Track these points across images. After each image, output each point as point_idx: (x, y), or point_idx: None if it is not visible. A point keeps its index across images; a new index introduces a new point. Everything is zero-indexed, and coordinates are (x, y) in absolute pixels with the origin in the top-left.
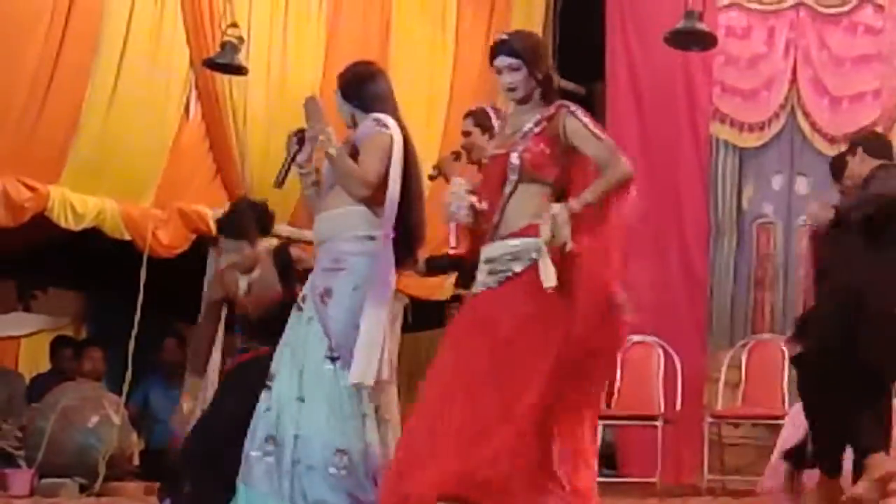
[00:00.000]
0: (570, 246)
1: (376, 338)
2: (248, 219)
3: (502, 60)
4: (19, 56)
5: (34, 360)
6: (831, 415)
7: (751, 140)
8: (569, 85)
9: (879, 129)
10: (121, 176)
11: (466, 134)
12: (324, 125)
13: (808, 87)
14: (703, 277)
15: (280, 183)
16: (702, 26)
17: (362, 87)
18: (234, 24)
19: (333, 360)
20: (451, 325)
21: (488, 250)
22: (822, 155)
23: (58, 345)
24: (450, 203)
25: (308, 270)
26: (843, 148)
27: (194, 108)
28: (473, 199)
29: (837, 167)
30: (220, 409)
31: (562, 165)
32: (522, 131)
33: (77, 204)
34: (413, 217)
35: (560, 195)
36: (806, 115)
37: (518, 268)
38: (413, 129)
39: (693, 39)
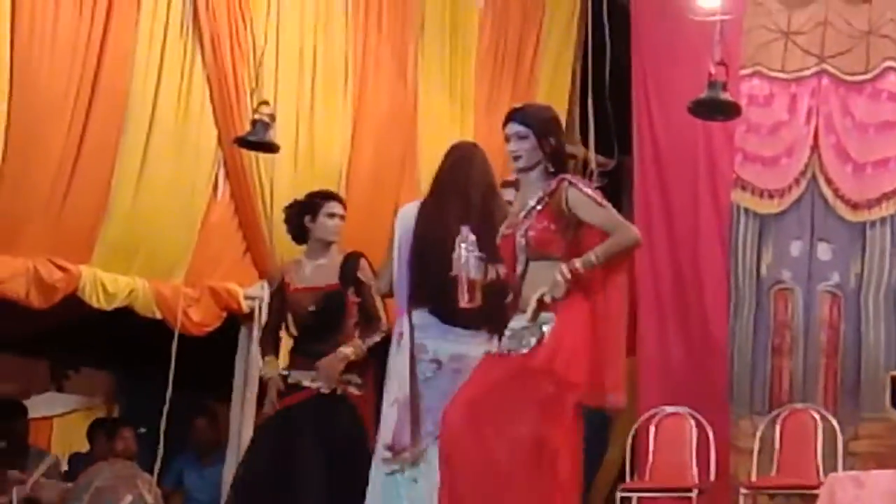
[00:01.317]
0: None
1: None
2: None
3: (511, 128)
4: (46, 137)
5: (67, 440)
6: None
7: (771, 207)
8: (598, 159)
9: None
10: (151, 255)
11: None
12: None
13: (831, 153)
14: (724, 346)
15: None
16: (726, 96)
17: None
18: (265, 102)
19: None
20: (469, 383)
21: (511, 324)
22: (845, 221)
23: (95, 427)
24: (459, 256)
25: (363, 284)
26: (867, 214)
27: (223, 187)
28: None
29: None
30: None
31: (569, 238)
32: (526, 209)
33: (108, 283)
34: (430, 279)
35: None
36: (828, 181)
37: (533, 340)
38: None
39: (717, 109)
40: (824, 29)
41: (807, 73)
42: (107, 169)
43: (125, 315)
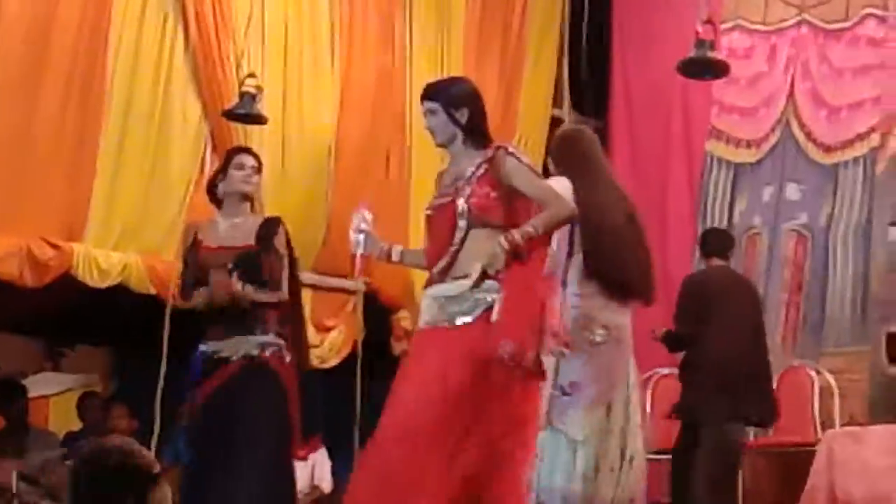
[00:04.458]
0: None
1: None
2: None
3: (423, 105)
4: (30, 116)
5: (64, 418)
6: None
7: (746, 156)
8: (576, 118)
9: (877, 134)
10: (142, 232)
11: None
12: None
13: (806, 98)
14: None
15: None
16: (714, 55)
17: None
18: (252, 75)
19: None
20: (409, 359)
21: (441, 289)
22: (816, 163)
23: (85, 400)
24: (354, 236)
25: (275, 251)
26: (840, 155)
27: (210, 160)
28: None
29: None
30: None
31: (507, 207)
32: (465, 177)
33: (101, 260)
34: None
35: None
36: (801, 125)
37: (479, 309)
38: (430, 175)
39: (706, 68)
40: None
41: (787, 23)
42: (92, 145)
43: (119, 291)
